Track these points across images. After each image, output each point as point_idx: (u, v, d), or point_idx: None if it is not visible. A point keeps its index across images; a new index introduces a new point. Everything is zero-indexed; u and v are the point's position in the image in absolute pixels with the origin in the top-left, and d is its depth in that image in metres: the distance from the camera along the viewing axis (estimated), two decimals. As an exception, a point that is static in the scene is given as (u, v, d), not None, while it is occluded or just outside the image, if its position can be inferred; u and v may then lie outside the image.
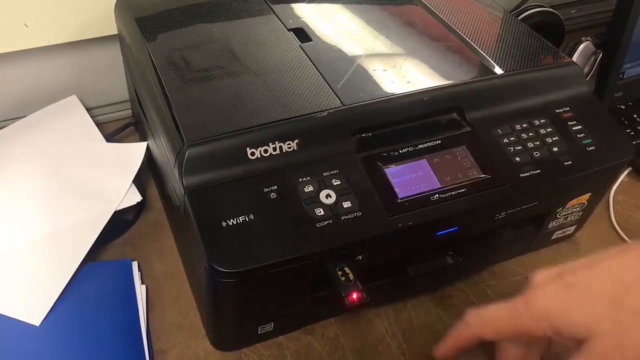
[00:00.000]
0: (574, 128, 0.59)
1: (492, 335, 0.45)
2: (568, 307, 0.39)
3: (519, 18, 0.90)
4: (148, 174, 0.73)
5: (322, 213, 0.49)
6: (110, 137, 0.76)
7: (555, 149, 0.57)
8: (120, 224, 0.66)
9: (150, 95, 0.58)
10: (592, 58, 0.86)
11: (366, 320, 0.60)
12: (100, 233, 0.61)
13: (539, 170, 0.55)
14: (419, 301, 0.62)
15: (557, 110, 0.60)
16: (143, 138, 0.73)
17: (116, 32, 0.73)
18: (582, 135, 0.58)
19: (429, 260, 0.58)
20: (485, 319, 0.45)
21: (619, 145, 0.59)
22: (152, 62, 0.59)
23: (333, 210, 0.50)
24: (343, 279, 0.49)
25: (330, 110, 0.53)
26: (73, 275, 0.59)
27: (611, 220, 0.72)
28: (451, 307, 0.61)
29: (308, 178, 0.51)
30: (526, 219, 0.61)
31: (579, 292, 0.40)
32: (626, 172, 0.78)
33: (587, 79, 0.85)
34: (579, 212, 0.63)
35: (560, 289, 0.41)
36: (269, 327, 0.55)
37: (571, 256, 0.67)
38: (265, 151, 0.51)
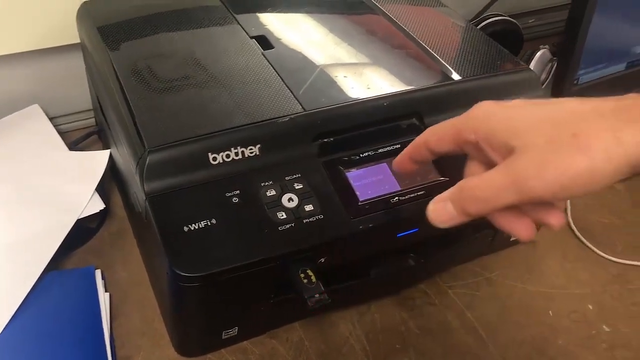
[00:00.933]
0: (529, 132, 0.60)
1: (436, 140, 0.43)
2: (512, 116, 0.38)
3: (478, 27, 0.92)
4: (112, 182, 0.72)
5: (284, 216, 0.50)
6: (74, 146, 0.75)
7: (511, 151, 0.58)
8: (83, 232, 0.66)
9: (112, 103, 0.58)
10: (549, 65, 0.89)
11: (330, 323, 0.61)
12: (63, 241, 0.61)
13: (496, 173, 0.56)
14: (382, 303, 0.63)
15: (513, 115, 0.61)
16: (106, 146, 0.73)
17: (79, 41, 0.72)
18: (537, 138, 0.60)
19: (391, 262, 0.59)
20: (434, 126, 0.44)
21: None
22: (114, 70, 0.59)
23: (295, 213, 0.50)
24: (305, 281, 0.49)
25: (292, 116, 0.54)
26: (35, 284, 0.58)
27: (568, 221, 0.74)
28: (414, 308, 0.63)
29: (270, 182, 0.52)
30: (485, 221, 0.62)
31: (530, 108, 0.38)
32: (583, 175, 0.80)
33: (544, 85, 0.88)
34: (536, 213, 0.65)
35: (511, 104, 0.39)
36: (234, 331, 0.55)
37: (530, 257, 0.69)
38: (227, 156, 0.51)
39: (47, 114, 0.78)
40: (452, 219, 0.39)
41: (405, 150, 0.47)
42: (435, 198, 0.40)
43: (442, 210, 0.40)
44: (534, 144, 0.35)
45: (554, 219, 0.39)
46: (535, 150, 0.35)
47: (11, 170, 0.68)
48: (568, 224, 0.74)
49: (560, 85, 0.79)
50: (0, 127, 0.75)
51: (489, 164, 0.40)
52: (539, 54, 0.88)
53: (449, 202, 0.39)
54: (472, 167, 0.43)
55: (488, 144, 0.39)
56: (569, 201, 0.76)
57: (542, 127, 0.36)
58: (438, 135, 0.43)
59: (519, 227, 0.39)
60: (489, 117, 0.39)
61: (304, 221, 0.50)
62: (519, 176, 0.35)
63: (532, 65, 0.87)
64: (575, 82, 0.80)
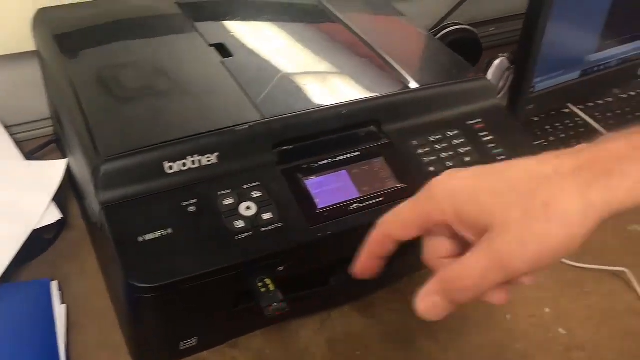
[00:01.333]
0: (485, 139, 0.62)
1: (401, 230, 0.41)
2: (476, 190, 0.36)
3: (438, 35, 0.94)
4: (70, 192, 0.71)
5: (242, 225, 0.50)
6: (31, 155, 0.74)
7: (468, 158, 0.59)
8: (39, 243, 0.65)
9: (67, 112, 0.57)
10: (507, 73, 0.90)
11: (291, 331, 0.61)
12: (19, 253, 0.60)
13: (453, 179, 0.57)
14: (343, 310, 0.63)
15: (469, 122, 0.62)
16: (64, 155, 0.72)
17: (35, 48, 0.71)
18: (492, 145, 0.61)
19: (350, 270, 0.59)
20: (392, 215, 0.41)
21: (527, 155, 0.62)
22: (70, 78, 0.58)
23: (253, 222, 0.50)
24: (263, 290, 0.49)
25: (251, 124, 0.54)
26: (-12, 297, 0.57)
27: (526, 227, 0.75)
28: (375, 315, 0.63)
29: (228, 191, 0.51)
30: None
31: (491, 178, 0.37)
32: (540, 180, 0.82)
33: (502, 93, 0.90)
34: (494, 219, 0.66)
35: (470, 174, 0.38)
36: (193, 342, 0.55)
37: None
38: (184, 165, 0.51)
39: (3, 123, 0.77)
40: (443, 310, 0.38)
41: (365, 250, 0.44)
42: (421, 293, 0.38)
43: (431, 306, 0.38)
44: (510, 220, 0.35)
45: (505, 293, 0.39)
46: (512, 227, 0.34)
47: (-36, 180, 0.67)
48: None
49: (517, 93, 0.80)
50: (-47, 137, 0.73)
51: (455, 238, 0.39)
52: (496, 62, 0.89)
53: (437, 296, 0.37)
54: (436, 243, 0.41)
55: (459, 224, 0.37)
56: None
57: (511, 200, 0.35)
58: (401, 224, 0.41)
59: (498, 296, 0.38)
60: (453, 195, 0.37)
61: (262, 230, 0.50)
62: (504, 257, 0.34)
63: (489, 74, 0.88)
64: (531, 89, 0.82)
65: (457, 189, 0.37)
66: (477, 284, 0.35)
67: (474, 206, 0.36)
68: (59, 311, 0.58)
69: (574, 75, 0.87)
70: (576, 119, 0.90)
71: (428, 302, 0.38)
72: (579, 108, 0.91)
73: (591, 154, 0.36)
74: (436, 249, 0.41)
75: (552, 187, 0.34)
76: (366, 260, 0.44)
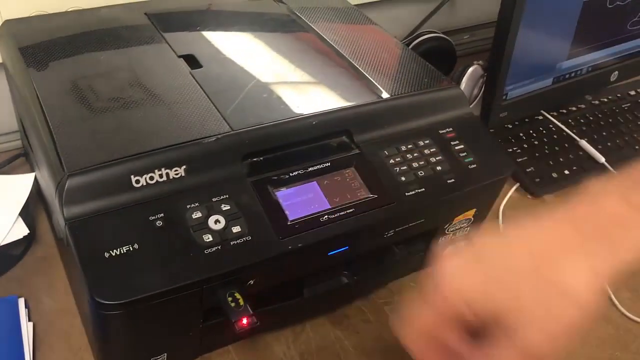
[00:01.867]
0: (456, 147, 0.62)
1: (426, 336, 0.40)
2: (487, 287, 0.37)
3: (412, 44, 0.94)
4: (39, 207, 0.70)
5: (211, 239, 0.49)
6: (-2, 169, 0.72)
7: (439, 167, 0.59)
8: (6, 259, 0.63)
9: (33, 125, 0.56)
10: (480, 81, 0.91)
11: (264, 344, 0.60)
12: (-16, 270, 0.58)
13: (424, 189, 0.57)
14: (317, 322, 0.62)
15: (440, 131, 0.62)
16: (32, 169, 0.70)
17: (1, 61, 0.70)
18: (464, 154, 0.61)
19: (324, 281, 0.59)
20: (411, 325, 0.41)
21: (498, 163, 0.63)
22: (35, 91, 0.57)
23: (222, 235, 0.49)
24: (233, 304, 0.49)
25: (219, 136, 0.53)
26: (-49, 316, 0.55)
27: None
28: (349, 326, 0.62)
29: (196, 204, 0.51)
30: (416, 236, 0.63)
31: (497, 268, 0.37)
32: (514, 187, 0.83)
33: (476, 101, 0.90)
34: (467, 227, 0.66)
35: (475, 268, 0.38)
36: (162, 358, 0.54)
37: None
38: (151, 178, 0.50)
39: (-30, 136, 0.75)
40: None
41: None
42: None
43: None
44: (526, 311, 0.36)
45: None
46: (530, 318, 0.36)
47: None
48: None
49: (490, 100, 0.81)
50: None
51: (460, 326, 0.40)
52: (470, 70, 0.90)
53: None
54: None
55: (476, 318, 0.38)
56: (501, 215, 0.78)
57: (522, 290, 0.36)
58: (424, 331, 0.40)
59: None
60: (465, 295, 0.38)
61: (232, 243, 0.49)
62: (530, 348, 0.36)
63: (463, 82, 0.89)
64: (504, 97, 0.83)
65: (468, 289, 0.38)
66: None
67: (488, 303, 0.37)
68: (26, 329, 0.57)
69: (547, 82, 0.87)
70: (550, 126, 0.91)
71: None
72: (552, 115, 0.92)
73: (590, 220, 0.37)
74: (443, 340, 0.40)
75: (559, 267, 0.36)
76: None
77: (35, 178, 0.66)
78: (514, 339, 0.36)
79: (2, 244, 0.61)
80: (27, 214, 0.65)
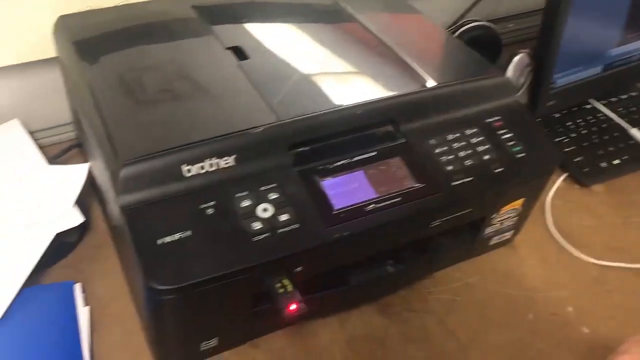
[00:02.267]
0: (503, 137, 0.61)
1: None
2: None
3: (457, 33, 0.93)
4: (92, 196, 0.72)
5: (260, 227, 0.50)
6: (54, 160, 0.75)
7: (486, 157, 0.59)
8: (62, 246, 0.66)
9: (87, 117, 0.58)
10: (527, 69, 0.89)
11: (311, 331, 0.61)
12: (42, 256, 0.61)
13: (471, 178, 0.57)
14: (363, 310, 0.63)
15: (487, 120, 0.62)
16: (86, 160, 0.73)
17: (56, 55, 0.73)
18: (511, 143, 0.61)
19: (370, 270, 0.59)
20: None
21: (546, 152, 0.62)
22: (89, 83, 0.59)
23: (270, 223, 0.50)
24: (282, 291, 0.50)
25: (267, 126, 0.54)
26: (13, 300, 0.58)
27: (548, 225, 0.74)
28: (394, 314, 0.63)
29: (245, 193, 0.52)
30: (462, 226, 0.62)
31: None
32: (562, 177, 0.81)
33: (523, 89, 0.89)
34: (515, 217, 0.66)
35: None
36: (213, 342, 0.55)
37: (510, 261, 0.69)
38: (202, 168, 0.51)
39: (27, 128, 0.78)
40: None
41: None
42: None
43: None
44: None
45: None
46: None
47: (-10, 185, 0.68)
48: (547, 228, 0.74)
49: (537, 89, 0.79)
50: (-21, 143, 0.75)
51: None
52: (516, 58, 0.88)
53: None
54: None
55: None
56: (548, 205, 0.77)
57: None
58: None
59: None
60: None
61: (279, 231, 0.50)
62: None
63: (509, 70, 0.87)
64: (552, 85, 0.81)
65: None
66: None
67: None
68: (82, 313, 0.59)
69: (596, 70, 0.85)
70: (598, 115, 0.89)
71: None
72: (601, 103, 0.90)
73: None
74: None
75: None
76: None
77: (89, 168, 0.68)
78: None
79: (58, 232, 0.63)
80: (81, 203, 0.67)
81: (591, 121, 0.88)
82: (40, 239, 0.62)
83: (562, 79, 0.82)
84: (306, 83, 0.61)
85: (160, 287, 0.46)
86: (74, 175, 0.68)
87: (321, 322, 0.62)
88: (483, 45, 0.92)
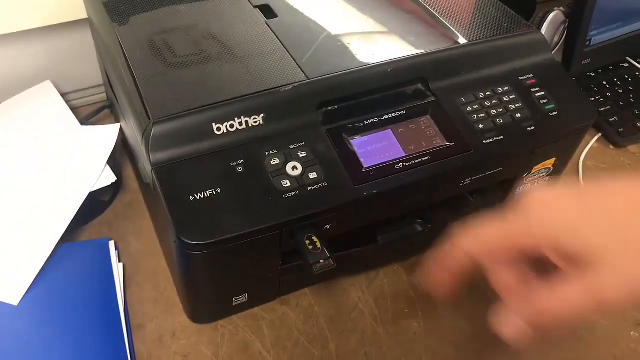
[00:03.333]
0: (537, 95, 0.60)
1: (483, 251, 0.40)
2: (577, 223, 0.36)
3: (489, -11, 0.91)
4: (124, 155, 0.74)
5: (289, 184, 0.50)
6: (86, 121, 0.76)
7: (518, 115, 0.58)
8: (96, 204, 0.67)
9: (118, 77, 0.59)
10: (562, 27, 0.87)
11: (340, 289, 0.61)
12: (77, 214, 0.62)
13: (502, 137, 0.56)
14: (391, 269, 0.63)
15: (520, 78, 0.61)
16: (117, 120, 0.74)
17: (86, 16, 0.73)
18: (545, 101, 0.59)
19: (398, 229, 0.60)
20: (474, 235, 0.40)
21: (581, 110, 0.61)
22: (120, 44, 0.59)
23: (299, 181, 0.51)
24: (311, 247, 0.50)
25: (295, 84, 0.54)
26: (50, 256, 0.60)
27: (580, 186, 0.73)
28: (422, 274, 0.63)
29: (274, 151, 0.52)
30: (493, 185, 0.62)
31: (591, 208, 0.36)
32: (596, 137, 0.80)
33: (557, 47, 0.87)
34: (546, 177, 0.65)
35: (568, 202, 0.37)
36: (243, 298, 0.57)
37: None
38: (231, 126, 0.52)
39: (59, 90, 0.79)
40: (528, 336, 0.37)
41: (440, 266, 0.43)
42: (503, 318, 0.38)
43: (518, 332, 0.37)
44: (611, 257, 0.34)
45: None
46: (614, 264, 0.34)
47: (25, 145, 0.70)
48: (580, 188, 0.73)
49: (572, 47, 0.77)
50: (13, 104, 0.76)
51: (524, 262, 0.40)
52: (551, 15, 0.86)
53: (523, 323, 0.37)
54: (504, 270, 0.41)
55: (552, 252, 0.37)
56: (581, 166, 0.75)
57: (613, 235, 0.35)
58: (485, 246, 0.40)
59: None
60: (551, 225, 0.37)
61: (309, 189, 0.50)
62: (603, 294, 0.34)
63: (544, 28, 0.85)
64: (587, 43, 0.79)
65: (557, 220, 0.36)
66: (569, 315, 0.35)
67: (573, 240, 0.35)
68: (117, 269, 0.61)
69: (634, 27, 0.83)
70: (636, 73, 0.86)
71: (514, 328, 0.37)
72: (638, 62, 0.87)
73: None
74: (505, 276, 0.41)
75: None
76: (440, 275, 0.43)
77: (120, 128, 0.69)
78: (588, 278, 0.35)
79: (92, 190, 0.65)
80: (114, 162, 0.69)
81: (628, 80, 0.85)
82: (75, 197, 0.63)
83: (598, 37, 0.79)
84: (335, 41, 0.60)
85: (192, 243, 0.47)
86: (106, 135, 0.69)
87: (350, 280, 0.62)
88: (516, 2, 0.90)
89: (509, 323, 0.37)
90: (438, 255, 0.43)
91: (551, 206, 0.37)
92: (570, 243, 0.36)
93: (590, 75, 0.85)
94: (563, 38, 0.85)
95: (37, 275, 0.58)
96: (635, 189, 0.36)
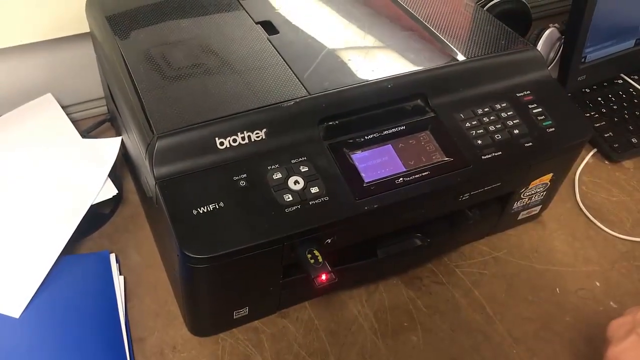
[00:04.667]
0: (534, 111, 0.61)
1: None
2: None
3: (486, 7, 0.92)
4: (124, 168, 0.74)
5: (291, 199, 0.51)
6: (86, 134, 0.77)
7: (516, 131, 0.59)
8: (97, 217, 0.68)
9: (121, 91, 0.59)
10: (557, 44, 0.88)
11: (339, 302, 0.62)
12: (78, 227, 0.63)
13: (500, 152, 0.57)
14: (390, 283, 0.64)
15: (517, 94, 0.62)
16: (118, 133, 0.74)
17: (88, 30, 0.74)
18: (542, 117, 0.60)
19: (397, 243, 0.60)
20: None
21: (577, 126, 0.62)
22: (123, 58, 0.60)
23: (301, 195, 0.51)
24: (312, 261, 0.51)
25: (297, 100, 0.55)
26: (51, 268, 0.60)
27: (576, 200, 0.74)
28: (421, 287, 0.64)
29: (276, 166, 0.53)
30: (491, 200, 0.63)
31: None
32: (591, 153, 0.81)
33: (553, 64, 0.88)
34: (543, 192, 0.66)
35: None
36: (244, 311, 0.57)
37: (538, 235, 0.69)
38: (234, 141, 0.52)
39: (60, 103, 0.80)
40: None
41: None
42: None
43: None
44: None
45: None
46: None
47: (26, 158, 0.70)
48: (576, 203, 0.74)
49: (567, 64, 0.78)
50: (14, 117, 0.77)
51: None
52: (547, 32, 0.87)
53: None
54: None
55: None
56: (577, 181, 0.76)
57: None
58: None
59: None
60: None
61: (310, 203, 0.51)
62: None
63: (539, 44, 0.86)
64: (582, 60, 0.80)
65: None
66: None
67: None
68: (118, 282, 0.61)
69: (628, 44, 0.84)
70: (630, 90, 0.88)
71: None
72: (632, 78, 0.89)
73: None
74: None
75: None
76: None
77: (122, 141, 0.70)
78: None
79: (93, 203, 0.65)
80: (115, 175, 0.69)
81: (622, 96, 0.86)
82: (76, 210, 0.64)
83: (593, 54, 0.81)
84: (335, 57, 0.61)
85: (194, 256, 0.48)
86: (107, 148, 0.70)
87: (349, 294, 0.63)
88: (513, 19, 0.91)
89: None
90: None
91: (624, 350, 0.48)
92: None
93: (586, 91, 0.87)
94: (558, 55, 0.86)
95: (38, 288, 0.59)
96: None
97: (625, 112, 0.84)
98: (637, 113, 0.84)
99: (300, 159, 0.53)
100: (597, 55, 0.81)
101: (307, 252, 0.51)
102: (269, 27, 0.64)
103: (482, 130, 0.58)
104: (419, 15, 0.67)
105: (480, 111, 0.60)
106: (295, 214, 0.50)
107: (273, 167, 0.52)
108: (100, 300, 0.59)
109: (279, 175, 0.52)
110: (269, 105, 0.54)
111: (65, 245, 0.61)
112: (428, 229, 0.61)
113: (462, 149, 0.57)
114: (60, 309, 0.58)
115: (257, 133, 0.53)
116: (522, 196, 0.64)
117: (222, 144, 0.52)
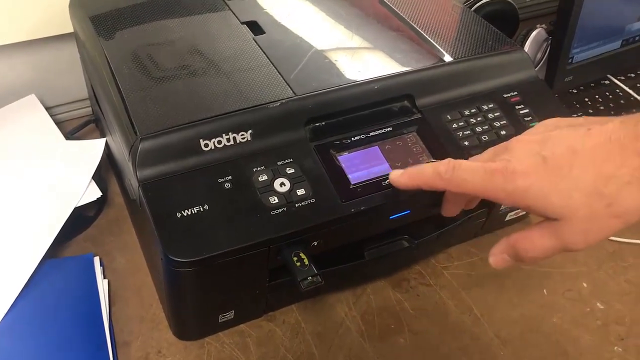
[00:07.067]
0: (521, 112, 0.61)
1: (458, 191, 0.47)
2: (548, 192, 0.41)
3: (474, 7, 0.92)
4: (109, 170, 0.73)
5: (277, 201, 0.50)
6: (71, 135, 0.76)
7: (503, 132, 0.59)
8: (81, 220, 0.67)
9: (105, 92, 0.59)
10: (544, 44, 0.88)
11: (326, 305, 0.61)
12: (62, 230, 0.62)
13: (487, 154, 0.57)
14: (378, 285, 0.63)
15: (505, 95, 0.62)
16: (102, 135, 0.73)
17: (72, 30, 0.73)
18: (529, 118, 0.60)
19: (385, 244, 0.60)
20: (459, 178, 0.45)
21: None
22: (107, 59, 0.59)
23: (287, 197, 0.51)
24: (298, 264, 0.50)
25: (283, 101, 0.54)
26: (34, 272, 0.59)
27: (564, 201, 0.74)
28: (408, 289, 0.63)
29: (262, 167, 0.52)
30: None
31: (560, 176, 0.40)
32: (578, 154, 0.81)
33: (540, 64, 0.88)
34: (530, 193, 0.65)
35: (541, 170, 0.41)
36: (230, 315, 0.56)
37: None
38: (219, 142, 0.52)
39: (43, 104, 0.79)
40: (509, 264, 0.46)
41: (416, 180, 0.49)
42: (493, 250, 0.47)
43: (500, 261, 0.46)
44: (576, 218, 0.40)
45: None
46: (578, 223, 0.41)
47: (8, 160, 0.69)
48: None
49: (554, 64, 0.79)
50: (-3, 118, 0.76)
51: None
52: (534, 33, 0.87)
53: (505, 255, 0.46)
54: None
55: (525, 208, 0.43)
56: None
57: (579, 201, 0.40)
58: (463, 188, 0.46)
59: None
60: (526, 192, 0.42)
61: (296, 205, 0.51)
62: (567, 242, 0.41)
63: (527, 45, 0.86)
64: (570, 60, 0.80)
65: (530, 190, 0.41)
66: (541, 256, 0.43)
67: (545, 207, 0.41)
68: (102, 285, 0.60)
69: (615, 45, 0.84)
70: (616, 91, 0.88)
71: (498, 257, 0.46)
72: (619, 79, 0.89)
73: None
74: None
75: (617, 190, 0.39)
76: (411, 185, 0.50)
77: (106, 143, 0.69)
78: (556, 231, 0.41)
79: (77, 206, 0.64)
80: (99, 177, 0.68)
81: (609, 97, 0.87)
82: (59, 213, 0.63)
83: (580, 54, 0.81)
84: (322, 58, 0.60)
85: (179, 260, 0.47)
86: (91, 150, 0.69)
87: (336, 296, 0.62)
88: (500, 20, 0.92)
89: (495, 254, 0.46)
90: (420, 171, 0.48)
91: (530, 179, 0.41)
92: (541, 207, 0.41)
93: (573, 92, 0.87)
94: (546, 55, 0.86)
95: (20, 292, 0.58)
96: (603, 160, 0.40)
97: (612, 113, 0.84)
98: (624, 114, 0.84)
99: (286, 161, 0.53)
100: (584, 56, 0.81)
101: (293, 254, 0.50)
102: (255, 28, 0.64)
103: (469, 131, 0.58)
104: (406, 16, 0.67)
105: (467, 112, 0.59)
106: (281, 216, 0.50)
107: (259, 168, 0.52)
108: (84, 304, 0.58)
109: (264, 177, 0.51)
110: (255, 106, 0.53)
111: (49, 248, 0.60)
112: (415, 231, 0.61)
113: (449, 150, 0.56)
114: (43, 313, 0.57)
115: (242, 134, 0.52)
116: (509, 197, 0.64)
117: (206, 145, 0.51)
